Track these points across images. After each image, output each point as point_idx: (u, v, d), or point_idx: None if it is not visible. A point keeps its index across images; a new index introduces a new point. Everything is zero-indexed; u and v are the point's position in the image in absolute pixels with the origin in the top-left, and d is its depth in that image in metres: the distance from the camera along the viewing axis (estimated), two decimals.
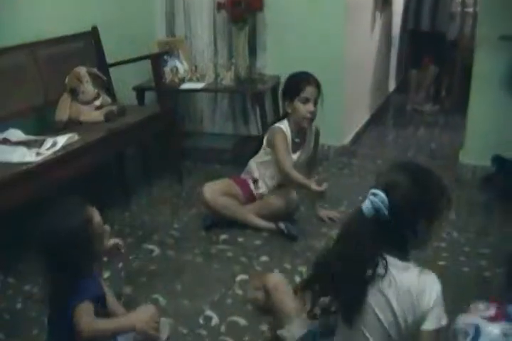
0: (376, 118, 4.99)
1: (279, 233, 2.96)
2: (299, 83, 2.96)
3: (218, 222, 3.06)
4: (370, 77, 4.95)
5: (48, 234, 1.69)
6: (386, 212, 1.52)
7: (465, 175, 3.65)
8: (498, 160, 3.44)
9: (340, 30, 3.91)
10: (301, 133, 3.07)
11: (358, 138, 4.49)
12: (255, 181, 3.12)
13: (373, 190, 1.55)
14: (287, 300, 2.04)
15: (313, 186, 2.81)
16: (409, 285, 1.54)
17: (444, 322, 1.55)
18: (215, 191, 3.02)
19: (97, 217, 1.79)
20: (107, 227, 1.85)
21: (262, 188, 3.13)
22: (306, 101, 2.93)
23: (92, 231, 1.75)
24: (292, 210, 3.11)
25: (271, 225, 3.00)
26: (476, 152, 3.61)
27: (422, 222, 1.56)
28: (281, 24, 4.01)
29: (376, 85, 5.13)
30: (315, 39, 3.94)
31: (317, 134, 3.18)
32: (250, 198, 3.12)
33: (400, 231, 1.57)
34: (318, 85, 2.95)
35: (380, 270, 1.55)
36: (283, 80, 3.90)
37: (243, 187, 3.11)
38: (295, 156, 3.06)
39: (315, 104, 2.96)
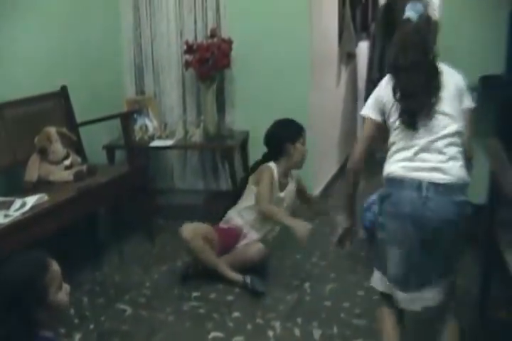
0: (345, 168, 5.06)
1: (244, 287, 2.96)
2: (300, 127, 3.24)
3: (196, 272, 3.08)
4: (337, 129, 5.06)
5: (1, 281, 1.63)
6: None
7: None
8: None
9: (306, 85, 4.03)
10: (285, 175, 3.24)
11: (327, 189, 4.55)
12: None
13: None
14: None
15: (288, 221, 2.97)
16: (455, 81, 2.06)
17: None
18: (195, 232, 3.04)
19: (55, 267, 1.71)
20: (66, 285, 1.78)
21: (253, 235, 3.17)
22: (303, 143, 3.19)
23: (48, 282, 1.67)
24: (264, 261, 3.12)
25: (238, 278, 3.00)
26: None
27: None
28: (248, 81, 4.12)
29: (344, 136, 5.23)
30: (282, 94, 4.05)
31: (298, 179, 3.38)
32: (225, 248, 3.13)
33: None
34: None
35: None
36: (252, 135, 4.03)
37: (223, 237, 3.15)
38: (282, 194, 3.20)
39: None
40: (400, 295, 1.98)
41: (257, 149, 4.11)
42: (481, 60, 3.48)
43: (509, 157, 2.35)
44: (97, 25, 4.06)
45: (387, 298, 2.05)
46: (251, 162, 4.14)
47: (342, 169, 5.02)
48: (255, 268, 3.06)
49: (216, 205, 3.94)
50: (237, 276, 3.01)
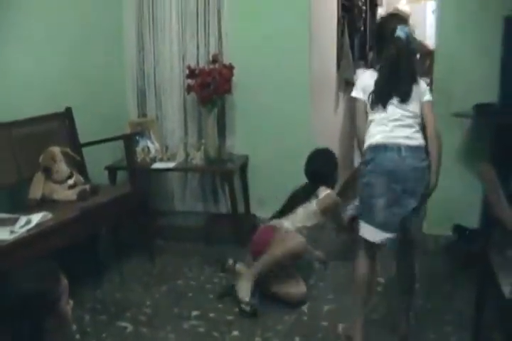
0: (342, 194, 5.12)
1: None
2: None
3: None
4: (335, 153, 5.11)
5: (16, 294, 1.67)
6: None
7: (428, 244, 3.77)
8: (458, 229, 3.58)
9: (305, 111, 4.12)
10: None
11: None
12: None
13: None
14: None
15: None
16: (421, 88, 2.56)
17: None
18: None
19: (65, 280, 1.78)
20: (71, 301, 1.82)
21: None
22: None
23: (60, 293, 1.73)
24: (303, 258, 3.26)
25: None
26: (437, 222, 3.74)
27: None
28: (249, 106, 4.21)
29: (342, 161, 5.30)
30: (281, 120, 4.14)
31: None
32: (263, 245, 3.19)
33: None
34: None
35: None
36: (251, 159, 4.10)
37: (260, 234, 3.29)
38: None
39: None
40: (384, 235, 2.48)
41: (256, 173, 4.21)
42: (475, 89, 3.59)
43: (502, 182, 2.42)
44: (101, 49, 4.15)
45: (367, 245, 2.53)
46: (250, 185, 4.23)
47: (340, 193, 5.08)
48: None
49: (216, 228, 4.02)
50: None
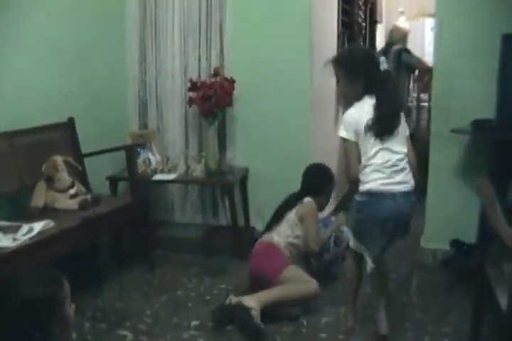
0: (342, 207, 5.14)
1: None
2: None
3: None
4: (334, 169, 5.15)
5: (22, 299, 1.68)
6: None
7: (426, 258, 3.80)
8: (456, 244, 3.60)
9: (305, 124, 4.15)
10: None
11: None
12: None
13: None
14: None
15: None
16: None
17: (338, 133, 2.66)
18: None
19: (67, 284, 1.80)
20: (72, 305, 1.83)
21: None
22: None
23: (64, 298, 1.76)
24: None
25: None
26: (435, 237, 3.78)
27: None
28: (249, 119, 4.23)
29: (342, 175, 5.32)
30: (282, 133, 4.17)
31: None
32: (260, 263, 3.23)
33: None
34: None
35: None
36: (251, 172, 4.12)
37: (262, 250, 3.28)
38: None
39: None
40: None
41: (256, 185, 4.24)
42: (473, 105, 3.63)
43: (500, 197, 2.45)
44: (104, 60, 4.19)
45: (358, 257, 2.78)
46: (250, 198, 4.26)
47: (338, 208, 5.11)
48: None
49: (216, 239, 4.04)
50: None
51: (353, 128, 2.58)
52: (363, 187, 2.60)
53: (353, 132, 2.58)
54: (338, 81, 2.77)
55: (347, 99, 2.79)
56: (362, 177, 2.61)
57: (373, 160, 2.57)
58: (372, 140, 2.57)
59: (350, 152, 2.62)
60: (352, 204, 2.70)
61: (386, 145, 2.57)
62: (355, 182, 2.64)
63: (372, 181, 2.57)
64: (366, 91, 2.62)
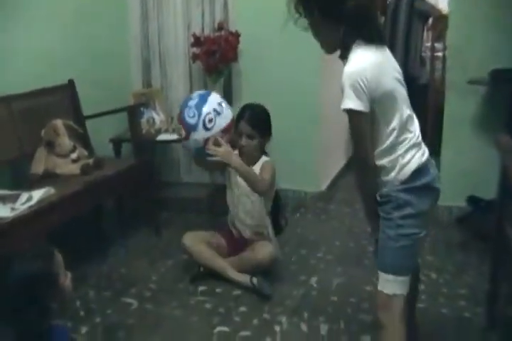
0: (353, 163, 5.03)
1: (250, 289, 2.89)
2: (236, 118, 2.98)
3: (204, 272, 3.03)
4: (345, 122, 5.01)
5: (12, 277, 1.66)
6: None
7: (441, 215, 3.68)
8: (473, 200, 3.49)
9: (314, 77, 4.00)
10: (248, 163, 2.99)
11: (334, 183, 4.53)
12: None
13: None
14: None
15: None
16: None
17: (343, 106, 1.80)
18: (195, 239, 3.04)
19: (58, 254, 1.75)
20: (67, 272, 1.78)
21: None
22: (239, 135, 2.98)
23: (56, 270, 1.72)
24: (269, 264, 3.01)
25: (245, 279, 2.91)
26: (451, 193, 3.62)
27: None
28: (255, 74, 4.10)
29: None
30: (290, 87, 4.03)
31: (262, 168, 3.04)
32: (234, 250, 3.10)
33: None
34: (251, 121, 2.98)
35: None
36: None
37: (228, 240, 3.12)
38: (239, 179, 3.00)
39: (251, 138, 2.98)
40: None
41: None
42: (491, 54, 3.45)
43: None
44: (104, 19, 4.06)
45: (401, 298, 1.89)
46: None
47: (349, 163, 5.01)
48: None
49: (220, 199, 3.93)
50: (243, 277, 2.94)
51: (373, 90, 1.76)
52: (401, 174, 1.83)
53: (368, 97, 1.76)
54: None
55: (328, 51, 2.00)
56: (389, 163, 1.85)
57: (407, 134, 1.85)
58: (400, 102, 1.85)
59: (366, 129, 1.82)
60: (383, 217, 1.90)
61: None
62: (372, 172, 1.87)
63: (413, 159, 1.84)
64: (372, 39, 1.83)
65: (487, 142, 3.41)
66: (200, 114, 2.62)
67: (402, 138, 1.84)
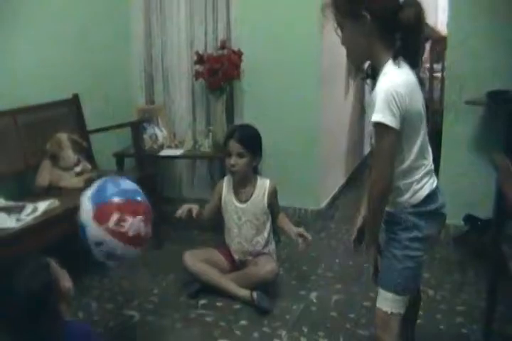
0: (352, 181, 5.08)
1: (250, 303, 2.91)
2: (225, 138, 3.09)
3: (202, 289, 3.05)
4: (345, 140, 5.09)
5: (11, 298, 1.65)
6: None
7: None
8: (470, 219, 3.53)
9: (315, 96, 4.04)
10: (243, 185, 3.10)
11: (334, 201, 4.57)
12: None
13: None
14: None
15: None
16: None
17: (377, 119, 1.69)
18: (195, 258, 3.07)
19: (52, 263, 1.74)
20: (63, 270, 1.78)
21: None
22: (229, 155, 3.03)
23: (54, 276, 1.71)
24: (272, 280, 3.05)
25: (246, 293, 2.93)
26: (449, 212, 3.67)
27: None
28: (257, 92, 4.15)
29: (351, 149, 5.26)
30: (290, 105, 4.08)
31: (272, 193, 3.12)
32: (234, 267, 3.14)
33: None
34: (241, 140, 3.01)
35: None
36: (263, 147, 4.05)
37: (227, 256, 3.16)
38: (244, 205, 3.08)
39: (241, 157, 3.01)
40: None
41: (264, 160, 4.15)
42: (488, 76, 3.51)
43: None
44: (108, 34, 4.12)
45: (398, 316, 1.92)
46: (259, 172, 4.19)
47: (349, 180, 5.06)
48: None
49: (220, 215, 3.96)
50: (244, 292, 2.96)
51: (406, 107, 1.70)
52: (414, 198, 1.86)
53: (401, 114, 1.70)
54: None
55: (358, 61, 1.94)
56: (404, 186, 1.85)
57: (424, 161, 1.87)
58: (422, 127, 1.82)
59: (394, 149, 1.75)
60: (394, 239, 1.89)
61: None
62: (390, 191, 1.81)
63: (426, 185, 1.88)
64: (390, 46, 1.76)
65: (484, 162, 3.46)
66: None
67: (418, 163, 1.84)
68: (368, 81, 1.90)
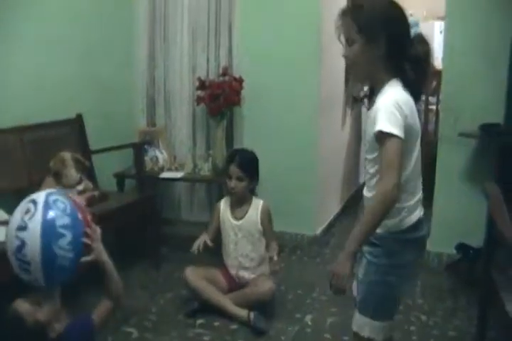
0: (347, 209, 5.14)
1: (247, 324, 2.95)
2: (226, 162, 3.33)
3: (200, 308, 3.10)
4: (341, 168, 5.17)
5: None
6: None
7: (432, 261, 3.80)
8: (462, 247, 3.60)
9: (313, 123, 4.14)
10: (240, 204, 3.26)
11: (330, 228, 4.62)
12: None
13: None
14: None
15: None
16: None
17: (381, 127, 1.67)
18: (197, 274, 3.15)
19: (35, 310, 1.72)
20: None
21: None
22: (229, 177, 3.19)
23: (35, 325, 1.72)
24: (270, 299, 3.13)
25: (244, 313, 2.99)
26: (441, 240, 3.77)
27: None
28: (257, 118, 4.24)
29: (347, 176, 5.34)
30: (290, 132, 4.18)
31: (264, 212, 3.24)
32: (232, 287, 3.20)
33: None
34: (241, 164, 3.17)
35: None
36: (261, 172, 4.13)
37: (227, 277, 3.23)
38: (239, 222, 3.23)
39: (240, 180, 3.17)
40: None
41: (263, 184, 4.22)
42: (481, 109, 3.62)
43: (507, 201, 2.45)
44: (112, 58, 4.22)
45: None
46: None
47: (345, 207, 5.13)
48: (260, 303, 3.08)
49: (218, 238, 4.01)
50: (242, 311, 3.01)
51: (406, 121, 1.70)
52: (402, 223, 1.83)
53: (403, 126, 1.69)
54: (346, 83, 1.92)
55: (358, 77, 1.97)
56: (395, 209, 1.76)
57: (414, 189, 1.86)
58: (418, 152, 1.83)
59: (400, 158, 1.70)
60: (369, 263, 1.88)
61: None
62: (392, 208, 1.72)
63: (416, 212, 1.87)
64: (393, 70, 1.78)
65: (477, 192, 3.54)
66: None
67: (408, 186, 1.80)
68: (365, 100, 1.94)
